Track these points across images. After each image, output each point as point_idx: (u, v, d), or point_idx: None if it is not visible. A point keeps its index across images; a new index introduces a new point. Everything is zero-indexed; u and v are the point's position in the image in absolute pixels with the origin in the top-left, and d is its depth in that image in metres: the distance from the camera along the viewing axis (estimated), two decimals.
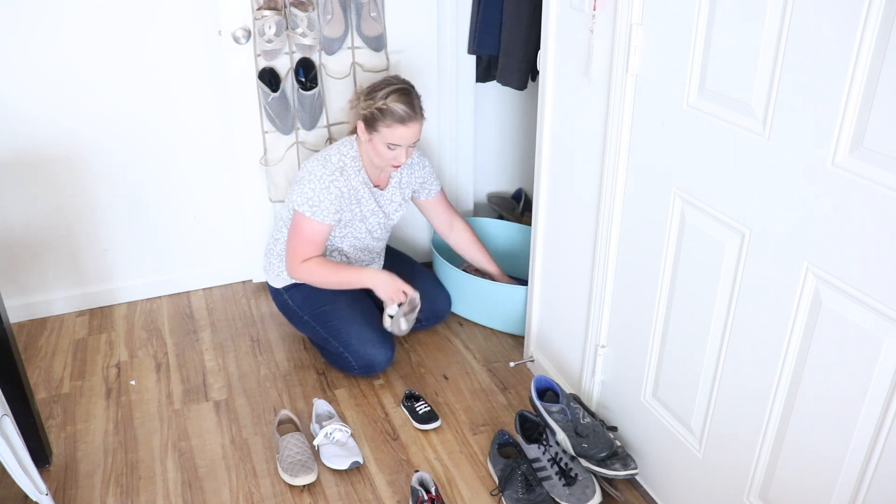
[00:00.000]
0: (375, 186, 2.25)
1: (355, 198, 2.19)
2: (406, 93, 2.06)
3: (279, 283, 2.35)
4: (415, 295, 2.20)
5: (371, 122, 2.07)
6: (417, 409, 2.11)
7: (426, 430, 2.08)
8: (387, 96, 2.04)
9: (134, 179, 2.57)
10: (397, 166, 2.14)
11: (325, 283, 2.21)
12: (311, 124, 2.52)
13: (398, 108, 2.03)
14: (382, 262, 2.47)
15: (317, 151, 2.56)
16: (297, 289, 2.32)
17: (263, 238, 2.68)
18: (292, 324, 2.40)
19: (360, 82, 2.53)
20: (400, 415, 2.14)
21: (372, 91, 2.08)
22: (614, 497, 1.83)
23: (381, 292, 2.19)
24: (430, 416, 2.09)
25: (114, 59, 2.38)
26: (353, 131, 2.21)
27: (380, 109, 2.04)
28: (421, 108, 2.10)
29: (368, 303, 2.33)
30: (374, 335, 2.22)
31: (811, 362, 1.25)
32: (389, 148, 2.08)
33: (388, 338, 2.26)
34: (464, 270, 2.67)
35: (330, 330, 2.24)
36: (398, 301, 2.19)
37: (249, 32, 2.35)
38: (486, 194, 3.14)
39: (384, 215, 2.30)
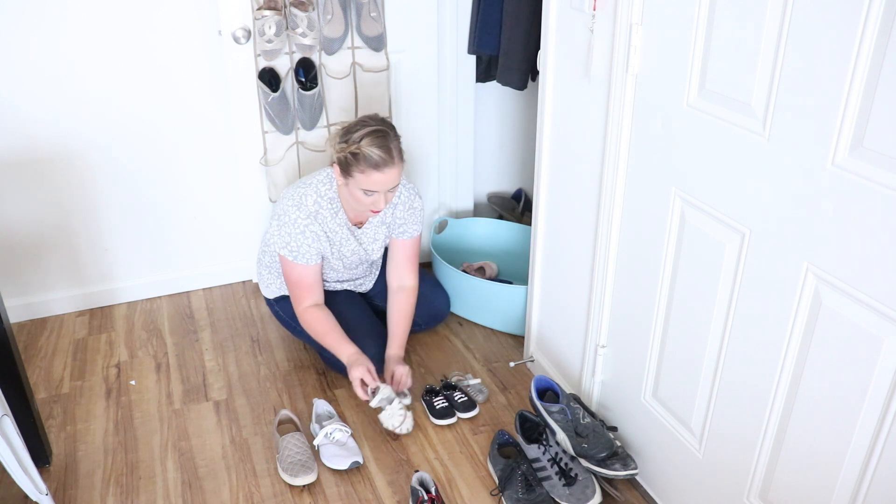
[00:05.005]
0: (355, 225, 2.16)
1: (332, 239, 2.12)
2: (382, 135, 1.90)
3: (269, 294, 2.36)
4: (377, 386, 2.01)
5: (345, 167, 1.93)
6: (435, 403, 2.11)
7: (440, 426, 2.08)
8: (360, 139, 1.88)
9: (134, 179, 2.57)
10: (376, 212, 2.01)
11: (315, 337, 2.14)
12: (311, 124, 2.52)
13: (373, 152, 1.88)
14: (375, 278, 2.44)
15: (319, 152, 2.57)
16: (286, 300, 2.31)
17: None
18: (287, 330, 2.41)
19: (360, 82, 2.53)
20: None
21: (346, 133, 1.93)
22: (614, 497, 1.83)
23: (349, 374, 2.06)
24: (445, 412, 2.09)
25: (114, 59, 2.38)
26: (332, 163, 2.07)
27: (353, 154, 1.89)
28: (399, 151, 1.94)
29: (360, 305, 2.31)
30: (367, 340, 2.19)
31: (811, 362, 1.25)
32: (366, 194, 1.94)
33: (385, 339, 2.24)
34: (463, 271, 2.67)
35: None
36: (361, 390, 2.03)
37: (249, 32, 2.35)
38: (486, 194, 3.14)
39: (364, 252, 2.22)
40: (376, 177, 1.91)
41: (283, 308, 2.33)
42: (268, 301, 2.39)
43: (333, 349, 2.12)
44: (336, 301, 2.25)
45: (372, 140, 1.89)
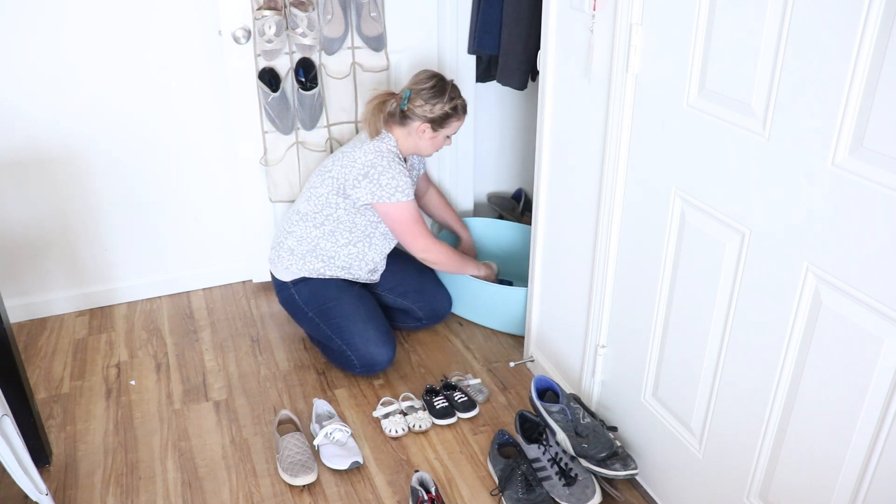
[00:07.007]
0: None
1: None
2: (452, 85, 2.22)
3: (287, 277, 2.32)
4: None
5: (442, 121, 2.20)
6: (435, 403, 2.12)
7: (440, 426, 2.09)
8: (453, 97, 2.19)
9: (134, 179, 2.57)
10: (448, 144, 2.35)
11: (449, 268, 2.36)
12: (311, 124, 2.52)
13: (461, 102, 2.22)
14: (384, 266, 2.46)
15: (319, 152, 2.57)
16: (304, 283, 2.30)
17: (263, 238, 2.68)
18: (294, 319, 2.40)
19: (359, 82, 2.53)
20: None
21: (435, 95, 2.17)
22: (614, 497, 1.83)
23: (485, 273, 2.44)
24: (445, 412, 2.09)
25: (114, 59, 2.38)
26: (378, 133, 2.22)
27: (454, 108, 2.20)
28: None
29: (372, 301, 2.33)
30: (376, 334, 2.22)
31: (811, 362, 1.25)
32: (447, 137, 2.27)
33: (391, 337, 2.26)
34: None
35: (333, 327, 2.24)
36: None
37: (249, 32, 2.35)
38: (486, 194, 3.14)
39: None
40: (464, 119, 2.28)
41: (299, 291, 2.31)
42: (281, 286, 2.34)
43: (469, 269, 2.42)
44: (346, 296, 2.26)
45: (454, 91, 2.22)
